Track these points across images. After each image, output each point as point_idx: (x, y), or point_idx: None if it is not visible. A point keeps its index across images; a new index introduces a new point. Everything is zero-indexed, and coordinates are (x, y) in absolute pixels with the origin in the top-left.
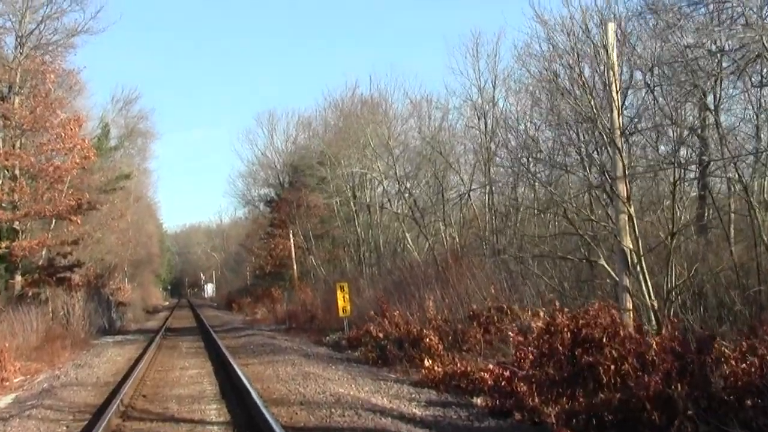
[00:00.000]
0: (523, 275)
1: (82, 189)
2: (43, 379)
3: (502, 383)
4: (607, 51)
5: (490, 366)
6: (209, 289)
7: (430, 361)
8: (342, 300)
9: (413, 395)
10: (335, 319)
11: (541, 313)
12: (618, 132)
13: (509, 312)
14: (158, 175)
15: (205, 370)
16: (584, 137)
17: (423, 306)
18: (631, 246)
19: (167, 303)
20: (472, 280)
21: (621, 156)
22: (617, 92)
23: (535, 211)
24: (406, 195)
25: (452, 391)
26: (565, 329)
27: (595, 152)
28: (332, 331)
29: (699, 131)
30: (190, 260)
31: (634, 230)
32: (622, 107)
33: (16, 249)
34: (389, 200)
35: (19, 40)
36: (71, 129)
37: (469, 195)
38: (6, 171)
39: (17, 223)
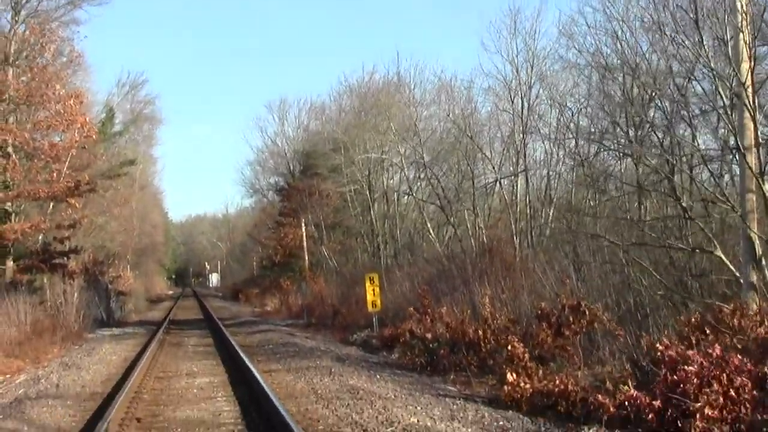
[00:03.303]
0: (613, 268)
1: (82, 170)
2: (21, 383)
3: (644, 412)
4: None
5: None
6: (214, 279)
7: (514, 375)
8: (371, 293)
9: (502, 424)
10: (361, 315)
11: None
12: (749, 88)
13: (587, 312)
14: (164, 163)
15: (219, 380)
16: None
17: (474, 302)
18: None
19: (171, 292)
20: (545, 272)
21: (753, 117)
22: (747, 38)
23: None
24: (434, 181)
25: (549, 416)
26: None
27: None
28: (359, 329)
29: None
30: (195, 250)
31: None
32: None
33: (8, 232)
34: (410, 187)
35: (13, 6)
36: (71, 105)
37: (500, 182)
38: None
39: (9, 204)
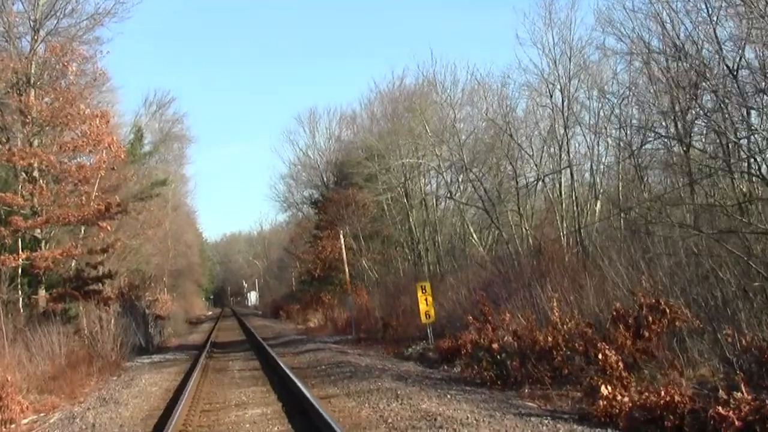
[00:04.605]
0: (690, 261)
1: (112, 192)
2: (55, 422)
3: None
4: None
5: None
6: (253, 297)
7: (609, 387)
8: (424, 303)
9: None
10: (412, 326)
11: None
12: None
13: (667, 310)
14: (195, 182)
15: (272, 410)
16: None
17: (537, 306)
18: None
19: (210, 313)
20: (612, 269)
21: None
22: None
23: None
24: (476, 183)
25: None
26: None
27: None
28: (413, 341)
29: None
30: (232, 269)
31: None
32: None
33: (38, 260)
34: (449, 191)
35: (32, 26)
36: (97, 125)
37: (543, 180)
38: (24, 173)
39: (39, 230)
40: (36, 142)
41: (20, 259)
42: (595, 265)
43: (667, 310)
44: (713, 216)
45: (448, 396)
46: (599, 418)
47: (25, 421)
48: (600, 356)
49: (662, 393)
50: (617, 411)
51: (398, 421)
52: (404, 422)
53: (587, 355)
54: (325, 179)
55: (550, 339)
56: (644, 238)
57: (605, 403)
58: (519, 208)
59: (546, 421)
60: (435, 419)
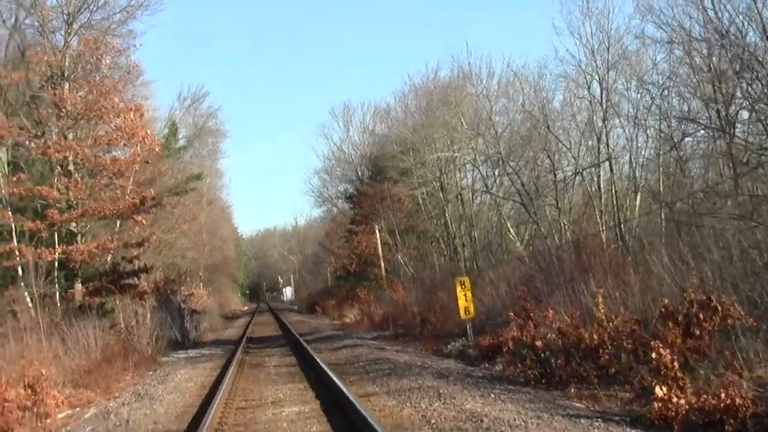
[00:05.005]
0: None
1: (147, 186)
2: (90, 418)
3: None
4: None
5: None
6: (288, 292)
7: (664, 389)
8: (463, 299)
9: None
10: (451, 322)
11: None
12: None
13: (719, 307)
14: (230, 177)
15: (309, 408)
16: None
17: (581, 302)
18: None
19: (246, 308)
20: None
21: None
22: None
23: None
24: (513, 177)
25: None
26: None
27: None
28: (452, 338)
29: None
30: (267, 264)
31: None
32: None
33: (74, 253)
34: (486, 185)
35: (66, 20)
36: (131, 119)
37: (581, 174)
38: (60, 167)
39: (74, 224)
40: (71, 136)
41: (56, 253)
42: (638, 260)
43: (719, 308)
44: (759, 209)
45: (492, 395)
46: (653, 420)
47: (61, 415)
48: (654, 355)
49: (722, 395)
50: (673, 414)
51: (442, 421)
52: (449, 423)
53: (636, 353)
54: (359, 174)
55: (595, 336)
56: (691, 232)
57: (660, 405)
58: (557, 202)
59: (597, 424)
60: (481, 420)
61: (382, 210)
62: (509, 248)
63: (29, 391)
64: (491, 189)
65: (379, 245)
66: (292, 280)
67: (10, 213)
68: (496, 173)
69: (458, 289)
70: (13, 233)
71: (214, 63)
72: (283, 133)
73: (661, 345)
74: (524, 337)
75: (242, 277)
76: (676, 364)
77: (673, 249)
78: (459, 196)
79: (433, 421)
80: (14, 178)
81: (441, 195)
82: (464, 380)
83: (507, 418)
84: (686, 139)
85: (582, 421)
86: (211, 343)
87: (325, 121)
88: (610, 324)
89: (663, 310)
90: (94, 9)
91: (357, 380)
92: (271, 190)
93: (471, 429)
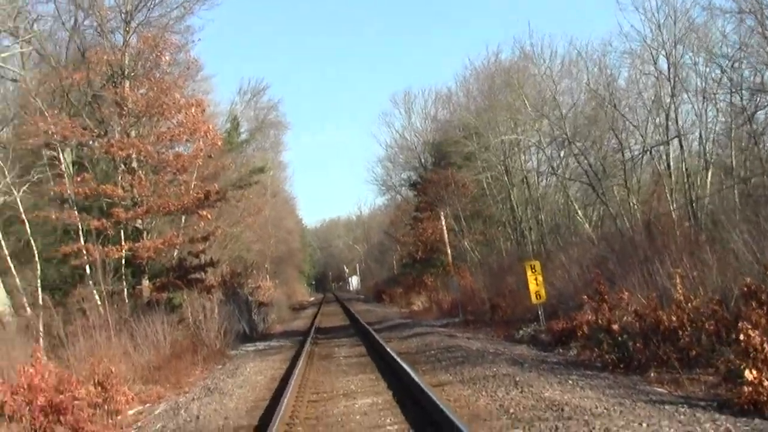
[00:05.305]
0: None
1: (211, 181)
2: (160, 414)
3: None
4: None
5: None
6: (354, 281)
7: (754, 372)
8: (534, 283)
9: None
10: (521, 307)
11: None
12: None
13: None
14: (293, 169)
15: (382, 399)
16: None
17: (657, 284)
18: None
19: (312, 299)
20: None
21: None
22: None
23: None
24: (580, 158)
25: None
26: None
27: None
28: (523, 323)
29: None
30: (332, 254)
31: None
32: None
33: (141, 250)
34: (552, 167)
35: (124, 18)
36: (193, 114)
37: (650, 152)
38: (123, 165)
39: (140, 221)
40: (133, 133)
41: (123, 250)
42: (713, 238)
43: None
44: None
45: (570, 382)
46: (742, 405)
47: (131, 412)
48: (741, 337)
49: None
50: (764, 398)
51: (521, 411)
52: (528, 413)
53: (718, 335)
54: (422, 160)
55: (674, 318)
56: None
57: (750, 389)
58: (626, 182)
59: (682, 410)
60: (562, 409)
61: (446, 196)
62: (577, 230)
63: (99, 388)
64: (557, 171)
65: (445, 231)
66: (357, 269)
67: (76, 212)
68: (562, 155)
69: (528, 273)
70: (80, 232)
71: (273, 55)
72: (345, 124)
73: (749, 326)
74: (599, 321)
75: (308, 268)
76: (766, 346)
77: (752, 225)
78: (524, 180)
79: (511, 410)
80: (79, 178)
81: (506, 179)
82: (539, 366)
83: (588, 406)
84: (759, 111)
85: (666, 407)
86: (280, 334)
87: (386, 109)
88: (689, 305)
89: (745, 289)
90: (152, 6)
91: (429, 369)
92: (334, 181)
93: (552, 419)
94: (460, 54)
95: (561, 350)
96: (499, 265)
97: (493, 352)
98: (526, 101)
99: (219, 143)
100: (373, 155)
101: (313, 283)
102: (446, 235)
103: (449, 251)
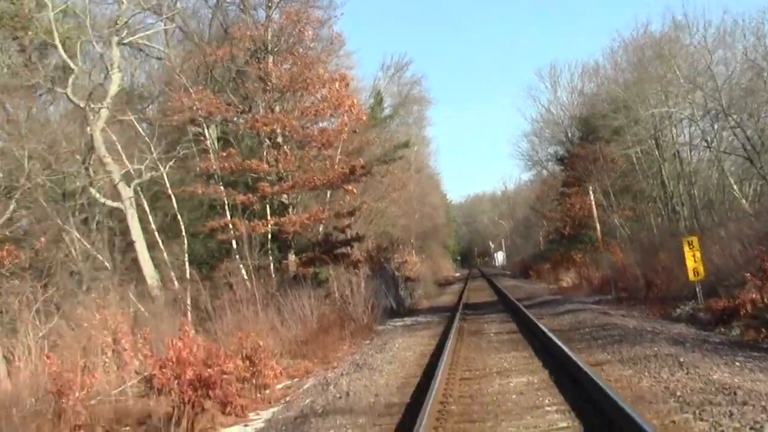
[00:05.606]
0: None
1: (356, 155)
2: (309, 389)
3: None
4: None
5: None
6: (500, 257)
7: None
8: (692, 259)
9: None
10: (677, 285)
11: None
12: None
13: None
14: (437, 144)
15: (538, 378)
16: None
17: None
18: None
19: (458, 274)
20: None
21: None
22: None
23: None
24: (737, 130)
25: None
26: None
27: None
28: (679, 301)
29: None
30: (477, 229)
31: None
32: None
33: (287, 225)
34: (706, 140)
35: None
36: (337, 89)
37: None
38: (268, 140)
39: (285, 196)
40: (277, 108)
41: (269, 225)
42: None
43: None
44: None
45: (737, 364)
46: None
47: (279, 386)
48: None
49: None
50: None
51: (689, 394)
52: (697, 396)
53: None
54: (569, 135)
55: None
56: None
57: None
58: None
59: None
60: (734, 393)
61: (595, 171)
62: (732, 206)
63: (248, 362)
64: (711, 144)
65: (594, 207)
66: (503, 245)
67: (222, 187)
68: (716, 127)
69: (686, 249)
70: (226, 207)
71: (416, 30)
72: (489, 98)
73: None
74: (765, 300)
75: (453, 243)
76: None
77: None
78: (676, 154)
79: (678, 393)
80: (224, 153)
81: (657, 153)
82: (702, 347)
83: (763, 390)
84: None
85: None
86: (427, 310)
87: (532, 82)
88: None
89: None
90: None
91: (585, 347)
92: (478, 156)
93: (725, 403)
94: (607, 28)
95: (722, 329)
96: (650, 242)
97: (651, 330)
98: (678, 72)
99: (363, 118)
100: (518, 129)
101: (458, 258)
102: (595, 211)
103: (598, 227)
